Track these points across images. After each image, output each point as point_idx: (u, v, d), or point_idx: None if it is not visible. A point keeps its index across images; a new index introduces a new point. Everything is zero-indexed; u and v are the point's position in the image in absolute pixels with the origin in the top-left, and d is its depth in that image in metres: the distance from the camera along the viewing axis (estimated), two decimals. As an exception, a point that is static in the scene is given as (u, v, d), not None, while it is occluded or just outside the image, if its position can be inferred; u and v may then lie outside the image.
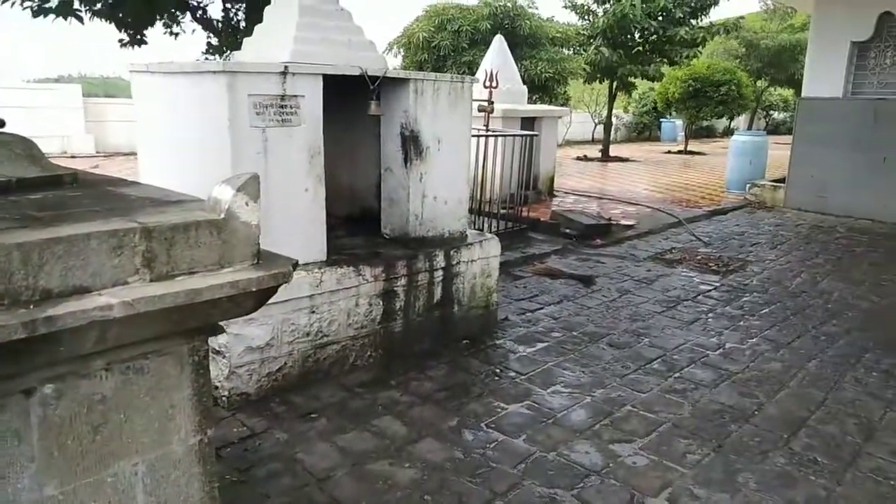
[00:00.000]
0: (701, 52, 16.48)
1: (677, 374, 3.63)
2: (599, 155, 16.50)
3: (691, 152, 18.69)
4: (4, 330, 1.01)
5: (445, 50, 15.42)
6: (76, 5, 4.86)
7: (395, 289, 3.76)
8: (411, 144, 3.96)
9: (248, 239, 1.38)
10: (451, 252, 4.05)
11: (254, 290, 1.34)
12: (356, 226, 4.45)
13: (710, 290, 5.31)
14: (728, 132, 24.54)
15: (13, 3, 5.34)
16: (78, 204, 1.42)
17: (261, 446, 2.72)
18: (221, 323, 1.45)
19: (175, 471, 1.38)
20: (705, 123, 23.77)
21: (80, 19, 5.07)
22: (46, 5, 4.91)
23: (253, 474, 2.50)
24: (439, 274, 3.99)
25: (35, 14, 5.06)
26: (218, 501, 1.49)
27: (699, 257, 6.42)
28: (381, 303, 3.69)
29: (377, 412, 3.06)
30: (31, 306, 1.08)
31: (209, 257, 1.32)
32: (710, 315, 4.70)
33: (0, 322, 1.01)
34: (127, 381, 1.29)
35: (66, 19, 4.79)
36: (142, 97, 3.72)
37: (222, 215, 1.33)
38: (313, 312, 3.39)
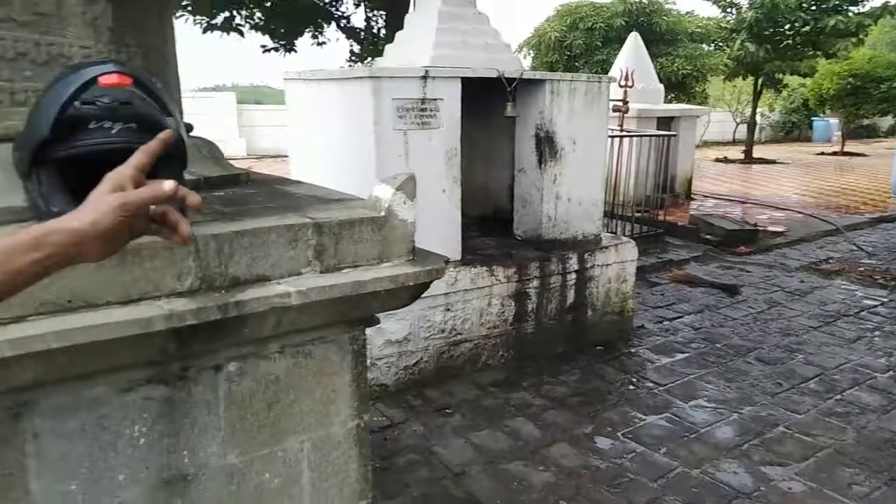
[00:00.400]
0: (861, 43, 14.88)
1: (838, 396, 3.31)
2: (742, 156, 15.44)
3: (849, 153, 16.97)
4: (204, 311, 1.12)
5: (578, 49, 15.16)
6: (238, 21, 5.36)
7: (528, 290, 3.75)
8: (546, 145, 3.93)
9: (405, 236, 1.44)
10: (585, 255, 3.97)
11: (411, 284, 1.39)
12: (489, 226, 4.49)
13: (875, 306, 4.80)
14: (894, 131, 22.05)
15: (187, 20, 5.98)
16: (254, 201, 1.55)
17: (399, 436, 2.82)
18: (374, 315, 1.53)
19: (335, 451, 1.46)
20: (866, 122, 21.49)
21: (241, 33, 5.56)
22: (213, 22, 5.47)
23: (393, 462, 2.61)
24: (572, 277, 3.93)
25: (204, 30, 5.66)
26: (370, 483, 1.56)
27: (861, 269, 5.81)
28: (513, 304, 3.70)
29: (510, 413, 3.07)
30: (223, 291, 1.19)
31: (370, 252, 1.39)
32: (877, 333, 4.24)
33: (200, 304, 1.13)
34: (297, 364, 1.38)
35: (229, 34, 5.31)
36: (294, 103, 3.99)
37: (383, 213, 1.40)
38: (448, 310, 3.46)
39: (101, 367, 1.13)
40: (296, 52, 5.99)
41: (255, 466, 1.36)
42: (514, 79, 3.71)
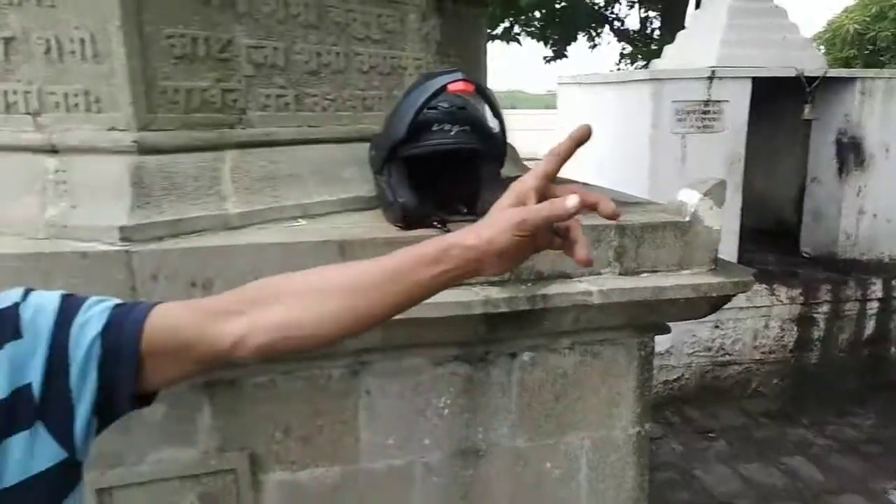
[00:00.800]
0: None
1: None
2: None
3: None
4: (515, 301, 1.20)
5: (884, 42, 12.92)
6: (516, 30, 5.63)
7: (814, 315, 3.32)
8: (850, 152, 3.44)
9: (709, 244, 1.38)
10: (894, 281, 3.39)
11: (713, 295, 1.33)
12: (766, 240, 4.07)
13: None
14: None
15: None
16: (551, 200, 1.62)
17: (657, 452, 2.71)
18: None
19: (614, 454, 1.47)
20: None
21: (519, 42, 5.83)
22: (494, 32, 5.83)
23: (651, 477, 2.51)
24: (874, 305, 3.38)
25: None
26: (646, 493, 1.53)
27: None
28: (795, 329, 3.31)
29: (787, 449, 2.75)
30: (529, 284, 1.27)
31: (670, 258, 1.36)
32: None
33: (511, 294, 1.21)
34: (584, 363, 1.41)
35: (508, 43, 5.60)
36: (567, 106, 4.06)
37: (687, 218, 1.35)
38: (717, 327, 3.23)
39: (422, 340, 1.27)
40: (566, 57, 6.10)
41: (539, 454, 1.42)
42: (814, 78, 3.32)
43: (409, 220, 1.22)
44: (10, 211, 1.14)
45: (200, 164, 1.21)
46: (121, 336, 0.59)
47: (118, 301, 0.63)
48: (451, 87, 1.12)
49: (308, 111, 1.39)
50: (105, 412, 0.61)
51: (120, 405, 0.61)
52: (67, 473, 0.60)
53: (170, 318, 0.62)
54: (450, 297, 1.19)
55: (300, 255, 1.15)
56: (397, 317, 1.21)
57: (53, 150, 1.18)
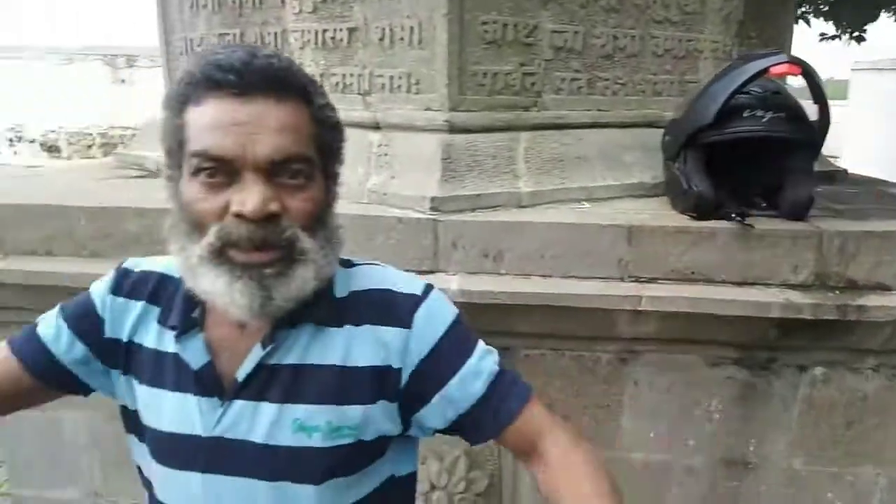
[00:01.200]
0: None
1: None
2: None
3: None
4: (821, 308, 1.09)
5: None
6: (804, 9, 4.98)
7: None
8: None
9: None
10: None
11: None
12: None
13: None
14: None
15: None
16: (862, 200, 1.42)
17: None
18: None
19: (917, 501, 1.26)
20: None
21: (808, 22, 5.16)
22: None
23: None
24: None
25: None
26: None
27: None
28: None
29: None
30: (836, 292, 1.13)
31: None
32: None
33: (816, 300, 1.10)
34: (890, 388, 1.23)
35: (797, 23, 4.91)
36: (861, 95, 3.54)
37: None
38: None
39: (699, 337, 1.21)
40: (864, 40, 5.21)
41: (818, 481, 1.28)
42: None
43: (701, 209, 1.16)
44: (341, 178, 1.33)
45: (498, 143, 1.28)
46: (497, 416, 0.65)
47: (500, 366, 0.67)
48: (773, 69, 1.04)
49: (599, 95, 1.40)
50: (440, 431, 0.68)
51: (451, 433, 0.69)
52: (402, 441, 0.70)
53: (530, 432, 0.66)
54: (744, 296, 1.12)
55: (587, 236, 1.17)
56: (673, 308, 1.17)
57: (377, 127, 1.35)
